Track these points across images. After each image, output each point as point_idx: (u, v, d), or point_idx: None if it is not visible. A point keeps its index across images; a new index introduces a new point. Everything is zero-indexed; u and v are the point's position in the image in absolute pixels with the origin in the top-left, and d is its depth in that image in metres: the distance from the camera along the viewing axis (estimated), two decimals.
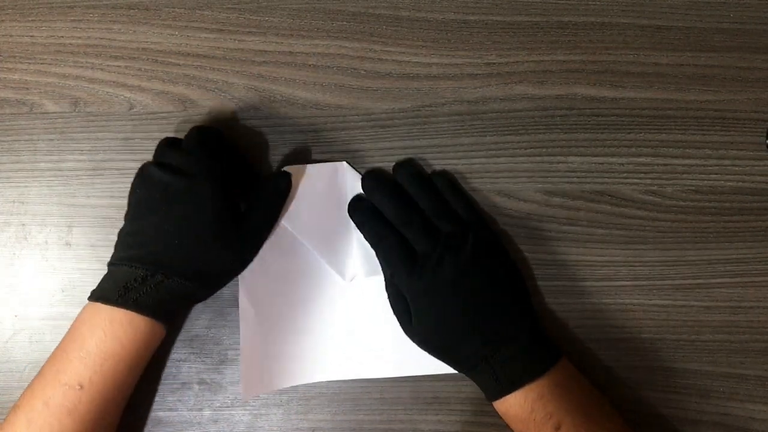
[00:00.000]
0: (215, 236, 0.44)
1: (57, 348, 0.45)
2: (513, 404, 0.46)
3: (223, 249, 0.45)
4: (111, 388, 0.43)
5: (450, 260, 0.47)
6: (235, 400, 0.52)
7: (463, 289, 0.46)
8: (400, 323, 0.49)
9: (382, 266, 0.50)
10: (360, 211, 0.50)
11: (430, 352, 0.48)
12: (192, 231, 0.43)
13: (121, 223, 0.52)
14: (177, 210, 0.43)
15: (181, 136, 0.52)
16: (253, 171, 0.51)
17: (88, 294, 0.45)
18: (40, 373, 0.44)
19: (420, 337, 0.48)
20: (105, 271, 0.51)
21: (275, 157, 0.52)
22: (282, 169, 0.50)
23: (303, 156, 0.52)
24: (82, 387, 0.42)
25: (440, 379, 0.52)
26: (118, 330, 0.42)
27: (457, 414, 0.52)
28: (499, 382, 0.46)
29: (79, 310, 0.51)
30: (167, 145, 0.47)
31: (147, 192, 0.45)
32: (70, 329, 0.45)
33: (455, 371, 0.48)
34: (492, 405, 0.47)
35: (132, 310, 0.42)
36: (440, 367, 0.49)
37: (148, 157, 0.52)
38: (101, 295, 0.43)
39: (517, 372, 0.45)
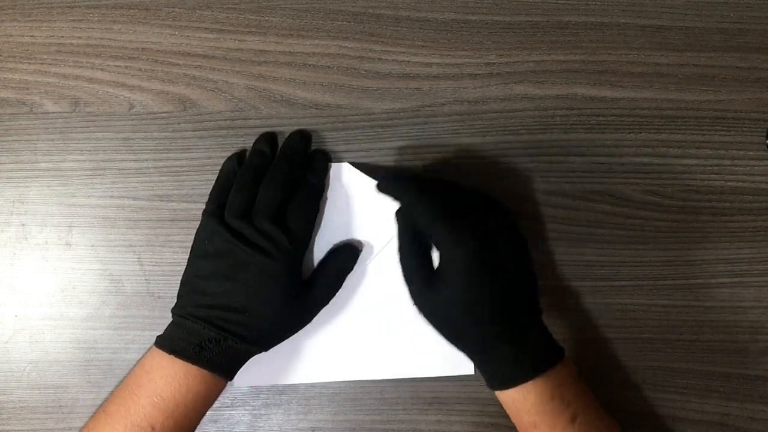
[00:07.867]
0: (284, 309, 0.46)
1: (121, 389, 0.46)
2: (531, 391, 0.43)
3: (289, 319, 0.48)
4: None
5: (491, 245, 0.44)
6: (236, 400, 0.52)
7: (500, 270, 0.44)
8: (411, 283, 0.46)
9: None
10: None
11: (439, 324, 0.45)
12: (263, 302, 0.46)
13: (121, 223, 0.52)
14: (250, 281, 0.45)
15: (180, 134, 0.52)
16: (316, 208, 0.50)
17: (155, 340, 0.46)
18: (104, 410, 0.45)
19: (438, 305, 0.44)
20: (104, 271, 0.51)
21: None
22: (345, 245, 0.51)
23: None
24: (153, 428, 0.44)
25: (440, 379, 0.52)
26: (192, 383, 0.45)
27: (457, 414, 0.52)
28: (521, 366, 0.43)
29: (78, 310, 0.52)
30: (239, 215, 0.47)
31: (218, 254, 0.46)
32: (136, 372, 0.46)
33: (454, 373, 0.48)
34: (497, 395, 0.45)
35: (206, 369, 0.45)
36: (440, 369, 0.49)
37: (149, 157, 0.52)
38: (176, 349, 0.45)
39: (543, 355, 0.44)
